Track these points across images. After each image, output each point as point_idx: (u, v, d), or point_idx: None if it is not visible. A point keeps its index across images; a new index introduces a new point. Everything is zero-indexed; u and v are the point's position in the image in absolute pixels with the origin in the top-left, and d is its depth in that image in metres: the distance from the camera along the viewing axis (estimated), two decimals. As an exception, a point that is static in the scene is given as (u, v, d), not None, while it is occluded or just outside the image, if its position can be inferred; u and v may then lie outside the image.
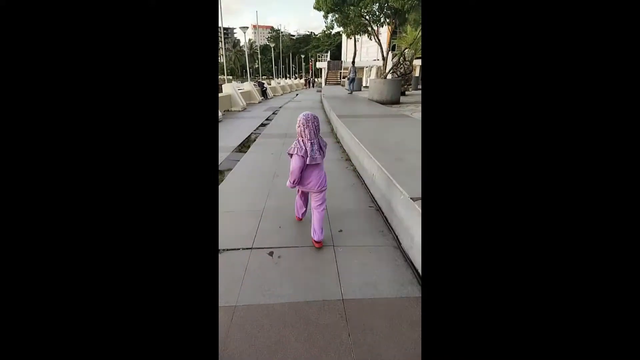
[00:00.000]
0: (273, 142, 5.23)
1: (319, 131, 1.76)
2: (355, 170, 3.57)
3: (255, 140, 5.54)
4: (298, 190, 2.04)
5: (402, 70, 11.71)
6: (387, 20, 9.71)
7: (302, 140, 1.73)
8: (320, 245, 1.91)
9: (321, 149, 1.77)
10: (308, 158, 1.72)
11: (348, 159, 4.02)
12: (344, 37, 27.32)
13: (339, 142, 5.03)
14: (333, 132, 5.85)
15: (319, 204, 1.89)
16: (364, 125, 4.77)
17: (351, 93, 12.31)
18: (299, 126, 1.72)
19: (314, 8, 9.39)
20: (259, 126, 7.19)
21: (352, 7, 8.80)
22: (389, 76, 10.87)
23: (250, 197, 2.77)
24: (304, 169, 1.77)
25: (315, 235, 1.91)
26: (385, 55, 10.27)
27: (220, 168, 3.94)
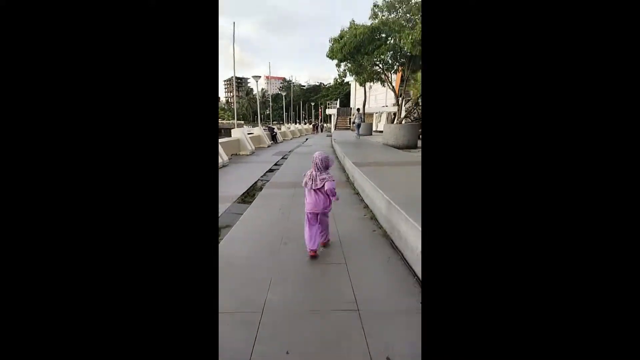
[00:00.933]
0: (281, 193, 4.54)
1: (325, 167, 2.30)
2: (385, 234, 2.77)
3: (261, 189, 4.88)
4: (306, 217, 2.36)
5: (415, 115, 11.68)
6: (402, 68, 9.69)
7: (312, 171, 2.31)
8: (315, 254, 2.30)
9: (321, 180, 2.26)
10: (310, 184, 2.29)
11: (373, 218, 3.24)
12: (352, 85, 28.62)
13: (357, 193, 4.31)
14: (349, 181, 5.17)
15: (322, 223, 2.38)
16: (388, 175, 4.06)
17: (359, 137, 12.42)
18: (312, 160, 2.32)
19: (327, 57, 9.47)
20: (267, 172, 6.62)
21: (365, 56, 8.79)
22: (403, 121, 10.63)
23: (247, 282, 1.97)
24: (309, 192, 2.32)
25: (311, 243, 2.30)
26: (400, 101, 10.12)
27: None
